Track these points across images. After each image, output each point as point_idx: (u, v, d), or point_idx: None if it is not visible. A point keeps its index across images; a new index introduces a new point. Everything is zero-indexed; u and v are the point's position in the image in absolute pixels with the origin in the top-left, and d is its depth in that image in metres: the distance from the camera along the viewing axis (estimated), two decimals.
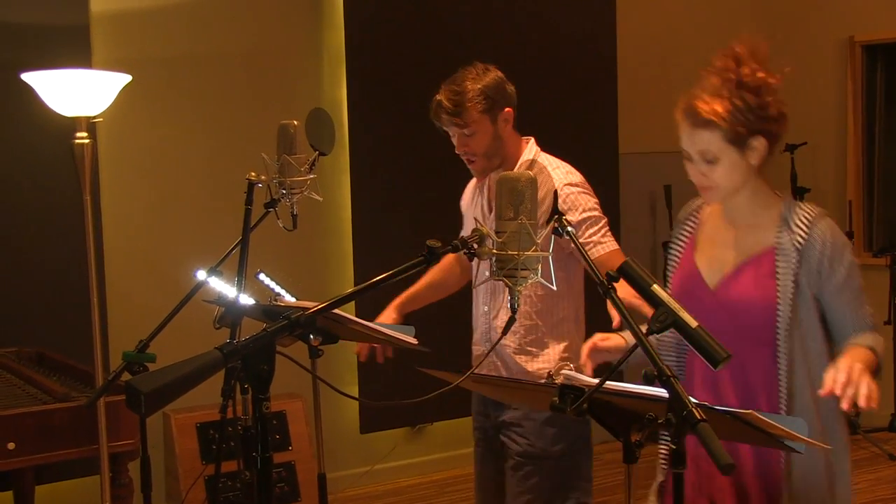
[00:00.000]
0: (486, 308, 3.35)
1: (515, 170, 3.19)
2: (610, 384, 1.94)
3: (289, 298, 3.29)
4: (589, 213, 3.18)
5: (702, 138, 2.42)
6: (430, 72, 5.48)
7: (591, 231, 3.17)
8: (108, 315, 4.80)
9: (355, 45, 5.47)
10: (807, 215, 2.47)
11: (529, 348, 3.26)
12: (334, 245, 5.58)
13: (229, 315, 2.89)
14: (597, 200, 3.25)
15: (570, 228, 2.14)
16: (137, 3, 5.02)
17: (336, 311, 2.62)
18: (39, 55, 4.20)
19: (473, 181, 3.45)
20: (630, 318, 1.96)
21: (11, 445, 3.49)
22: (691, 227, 2.70)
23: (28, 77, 3.60)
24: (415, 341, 2.86)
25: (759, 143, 2.44)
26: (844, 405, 2.21)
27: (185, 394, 1.67)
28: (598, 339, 2.60)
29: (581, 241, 3.07)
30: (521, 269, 2.00)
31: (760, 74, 2.42)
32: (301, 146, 2.97)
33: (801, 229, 2.45)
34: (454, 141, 3.27)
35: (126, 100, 3.99)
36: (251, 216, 2.90)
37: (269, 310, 2.94)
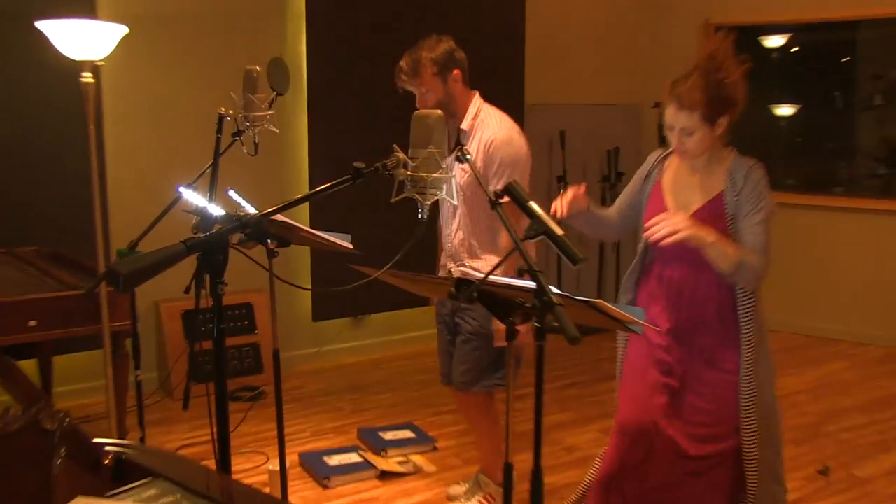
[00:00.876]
0: (447, 231, 3.44)
1: (464, 120, 3.34)
2: (493, 278, 2.00)
3: (251, 210, 3.28)
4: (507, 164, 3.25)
5: (683, 117, 2.63)
6: (380, 30, 5.44)
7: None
8: (109, 222, 4.75)
9: (314, 5, 5.39)
10: (745, 167, 2.69)
11: (479, 254, 3.34)
12: (294, 173, 5.55)
13: (203, 223, 2.89)
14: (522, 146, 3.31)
15: (468, 157, 2.19)
16: None
17: (284, 219, 2.63)
18: (54, 8, 4.04)
19: None
20: (511, 228, 2.01)
21: (33, 323, 3.51)
22: (659, 172, 2.87)
23: (42, 25, 3.50)
24: (350, 246, 2.87)
25: (723, 120, 2.65)
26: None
27: (156, 275, 1.70)
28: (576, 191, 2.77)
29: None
30: (430, 188, 2.04)
31: (729, 70, 2.62)
32: (263, 88, 2.96)
33: (740, 177, 2.68)
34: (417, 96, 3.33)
35: (126, 49, 3.91)
36: (220, 143, 2.90)
37: (233, 218, 2.93)
